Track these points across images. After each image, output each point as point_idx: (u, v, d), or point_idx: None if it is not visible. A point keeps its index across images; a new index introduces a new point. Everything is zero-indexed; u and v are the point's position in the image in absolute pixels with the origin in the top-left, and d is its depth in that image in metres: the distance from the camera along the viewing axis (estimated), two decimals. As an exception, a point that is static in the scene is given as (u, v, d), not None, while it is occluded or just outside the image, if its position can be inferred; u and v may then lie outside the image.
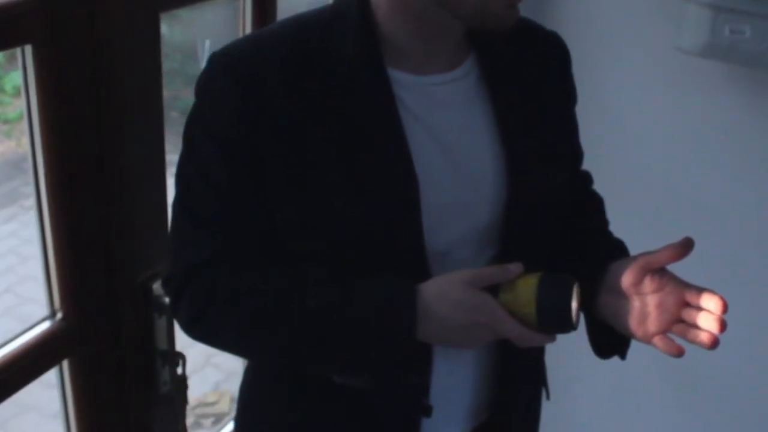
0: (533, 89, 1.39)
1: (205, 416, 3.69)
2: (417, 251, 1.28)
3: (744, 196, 2.38)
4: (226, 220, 1.30)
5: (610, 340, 1.40)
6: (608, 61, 2.41)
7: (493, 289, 1.25)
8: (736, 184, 2.38)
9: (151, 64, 1.59)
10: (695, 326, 1.27)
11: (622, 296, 1.31)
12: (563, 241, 1.45)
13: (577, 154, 1.54)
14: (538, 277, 1.24)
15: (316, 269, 1.29)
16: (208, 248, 1.31)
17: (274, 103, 1.25)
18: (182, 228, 1.34)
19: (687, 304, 1.29)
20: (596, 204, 1.58)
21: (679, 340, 1.30)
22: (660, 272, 1.29)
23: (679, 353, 1.29)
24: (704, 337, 1.26)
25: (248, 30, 1.93)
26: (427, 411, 1.37)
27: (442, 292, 1.24)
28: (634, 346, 1.42)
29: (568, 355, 1.87)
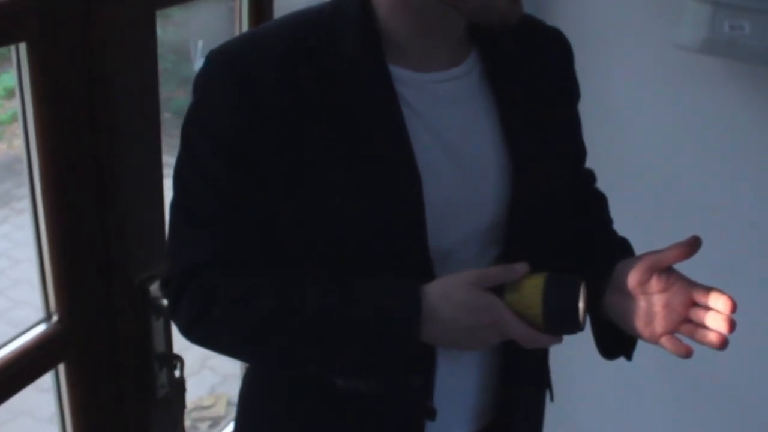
0: (535, 86, 1.38)
1: (202, 420, 3.69)
2: (420, 251, 1.27)
3: (744, 192, 2.38)
4: (225, 219, 1.28)
5: (616, 341, 1.38)
6: (607, 57, 2.40)
7: (499, 290, 1.23)
8: (736, 181, 2.38)
9: (148, 63, 1.58)
10: (703, 326, 1.26)
11: (629, 296, 1.29)
12: (567, 241, 1.44)
13: (580, 152, 1.52)
14: (545, 277, 1.22)
15: (317, 270, 1.28)
16: (207, 249, 1.29)
17: (271, 102, 1.23)
18: (180, 229, 1.33)
19: (695, 304, 1.27)
20: (600, 202, 1.57)
21: (686, 341, 1.28)
22: (667, 271, 1.28)
23: (688, 354, 1.27)
24: (713, 337, 1.25)
25: (245, 29, 1.91)
26: (431, 414, 1.36)
27: (447, 293, 1.22)
28: (637, 348, 1.41)
29: (570, 356, 1.86)
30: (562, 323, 1.22)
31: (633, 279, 1.28)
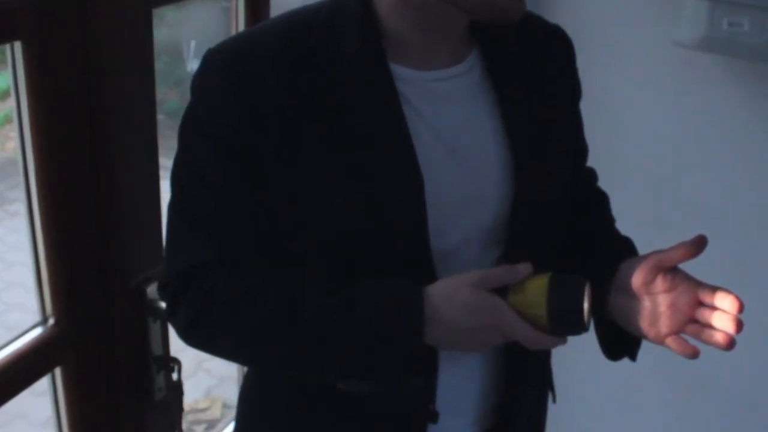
0: (537, 84, 1.37)
1: (197, 422, 3.68)
2: (422, 251, 1.26)
3: (743, 189, 2.38)
4: (223, 220, 1.27)
5: (620, 341, 1.37)
6: (605, 55, 2.39)
7: (502, 291, 1.21)
8: (735, 178, 2.38)
9: (144, 63, 1.57)
10: (709, 326, 1.24)
11: (633, 296, 1.28)
12: (569, 240, 1.42)
13: (581, 150, 1.51)
14: (548, 277, 1.21)
15: (317, 270, 1.27)
16: (205, 250, 1.28)
17: (268, 101, 1.22)
18: (178, 230, 1.31)
19: (700, 304, 1.26)
20: (601, 201, 1.56)
21: (692, 341, 1.27)
22: (672, 271, 1.26)
23: (694, 354, 1.26)
24: (719, 337, 1.23)
25: (242, 28, 1.91)
26: (434, 417, 1.35)
27: (450, 295, 1.21)
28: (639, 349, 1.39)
29: (570, 356, 1.85)
30: (567, 324, 1.20)
31: (638, 279, 1.26)
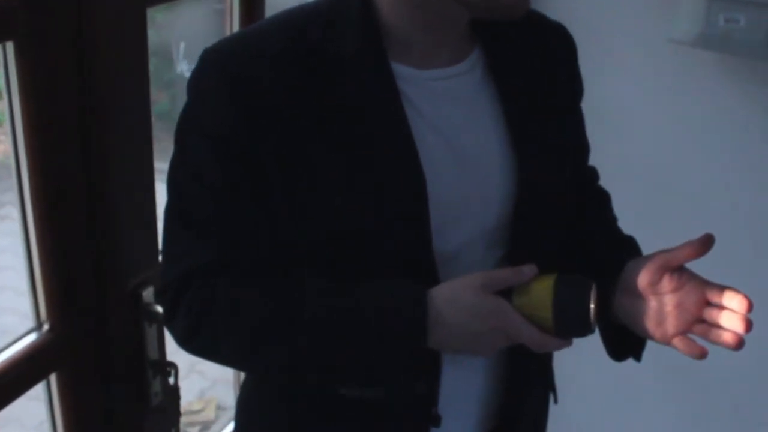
0: (539, 82, 1.36)
1: (192, 424, 3.68)
2: (425, 252, 1.24)
3: (740, 186, 2.37)
4: (222, 222, 1.25)
5: (626, 342, 1.35)
6: (601, 53, 2.38)
7: (507, 293, 1.20)
8: (732, 175, 2.38)
9: (138, 63, 1.55)
10: (717, 326, 1.23)
11: (639, 296, 1.27)
12: (572, 240, 1.41)
13: (583, 149, 1.50)
14: (554, 278, 1.20)
15: (318, 272, 1.25)
16: (205, 251, 1.26)
17: (266, 100, 1.21)
18: (176, 233, 1.29)
19: (708, 303, 1.24)
20: (603, 200, 1.55)
21: (700, 341, 1.25)
22: (679, 270, 1.25)
23: (702, 354, 1.24)
24: (728, 337, 1.22)
25: (236, 29, 1.89)
26: (436, 421, 1.33)
27: (454, 297, 1.19)
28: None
29: (571, 357, 1.83)
30: (573, 325, 1.19)
31: (644, 279, 1.25)
